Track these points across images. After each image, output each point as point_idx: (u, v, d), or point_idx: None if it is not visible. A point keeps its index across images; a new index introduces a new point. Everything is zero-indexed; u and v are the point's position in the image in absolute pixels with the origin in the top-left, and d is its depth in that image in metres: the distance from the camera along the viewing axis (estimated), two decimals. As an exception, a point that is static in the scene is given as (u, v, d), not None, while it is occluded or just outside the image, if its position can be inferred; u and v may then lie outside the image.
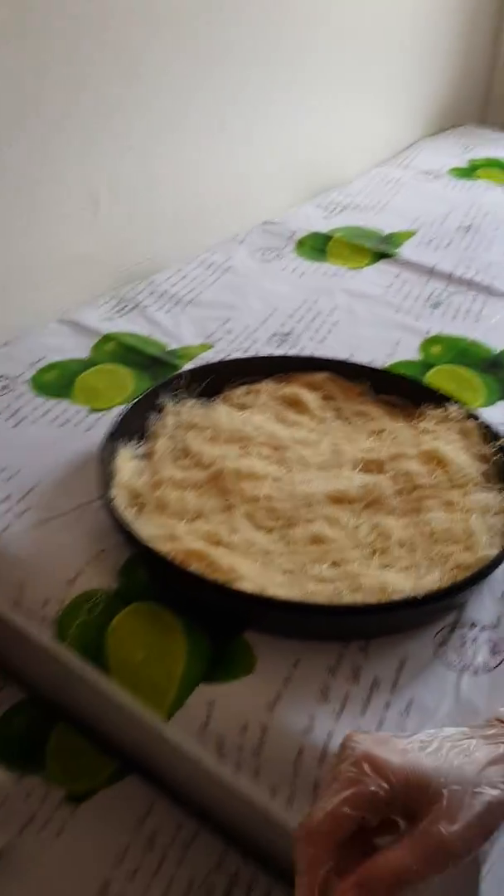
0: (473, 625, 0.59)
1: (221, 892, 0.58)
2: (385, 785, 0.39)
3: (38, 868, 0.60)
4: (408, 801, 0.39)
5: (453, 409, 0.75)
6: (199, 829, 0.62)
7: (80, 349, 0.90)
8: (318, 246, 1.17)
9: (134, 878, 0.59)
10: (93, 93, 0.95)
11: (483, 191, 1.38)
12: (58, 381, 0.85)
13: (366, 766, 0.39)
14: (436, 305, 1.02)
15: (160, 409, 0.77)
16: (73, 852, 0.61)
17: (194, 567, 0.59)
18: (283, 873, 0.59)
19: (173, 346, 0.92)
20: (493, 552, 0.60)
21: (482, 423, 0.73)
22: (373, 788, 0.39)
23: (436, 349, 0.93)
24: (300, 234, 1.19)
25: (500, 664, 0.56)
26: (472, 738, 0.43)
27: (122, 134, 1.01)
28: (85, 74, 0.93)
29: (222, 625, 0.59)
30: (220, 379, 0.81)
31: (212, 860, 0.60)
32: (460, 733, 0.43)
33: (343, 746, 0.42)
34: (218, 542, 0.63)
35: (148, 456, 0.73)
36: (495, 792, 0.39)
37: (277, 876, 0.59)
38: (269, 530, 0.65)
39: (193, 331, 0.95)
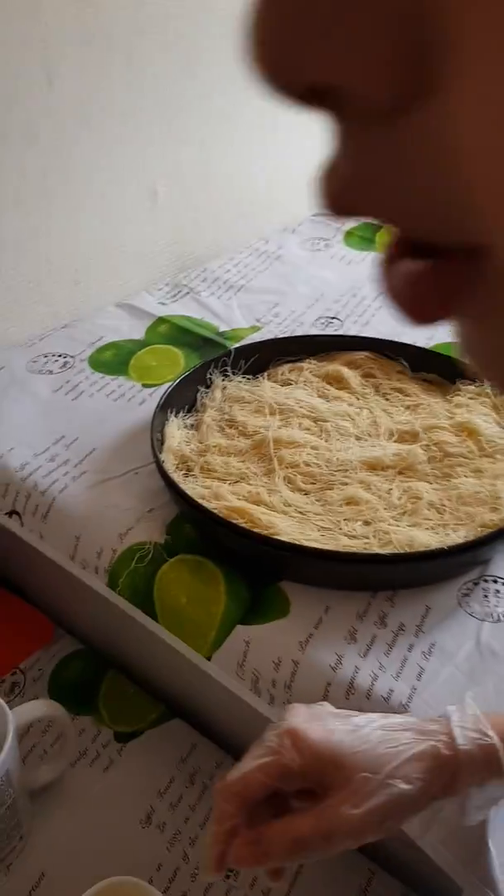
0: (496, 580, 0.63)
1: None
2: (298, 759, 0.42)
3: (88, 797, 0.66)
4: (321, 777, 0.42)
5: (487, 385, 0.78)
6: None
7: (135, 331, 0.96)
8: (366, 236, 1.21)
9: (175, 809, 0.64)
10: (152, 92, 1.01)
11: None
12: (114, 360, 0.91)
13: (286, 740, 0.43)
14: (478, 291, 1.05)
15: (209, 385, 0.82)
16: (119, 785, 0.66)
17: (236, 522, 0.64)
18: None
19: (223, 328, 0.97)
20: (518, 513, 0.63)
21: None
22: (285, 761, 0.42)
23: (476, 332, 0.96)
24: (349, 225, 1.23)
25: (520, 615, 0.60)
26: (409, 730, 0.44)
27: (180, 130, 1.07)
28: (146, 74, 0.99)
29: (260, 574, 0.63)
30: (265, 357, 0.86)
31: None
32: (399, 724, 0.45)
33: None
34: (259, 502, 0.68)
35: (196, 426, 0.78)
36: (406, 787, 0.41)
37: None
38: (307, 493, 0.70)
39: (243, 314, 1.00)
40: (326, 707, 0.48)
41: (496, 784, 0.43)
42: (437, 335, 0.96)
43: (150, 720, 0.71)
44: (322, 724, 0.44)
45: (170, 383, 0.79)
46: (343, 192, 0.17)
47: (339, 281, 1.08)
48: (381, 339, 0.87)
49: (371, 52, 0.14)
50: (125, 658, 0.74)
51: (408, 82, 0.14)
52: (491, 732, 0.44)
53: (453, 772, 0.42)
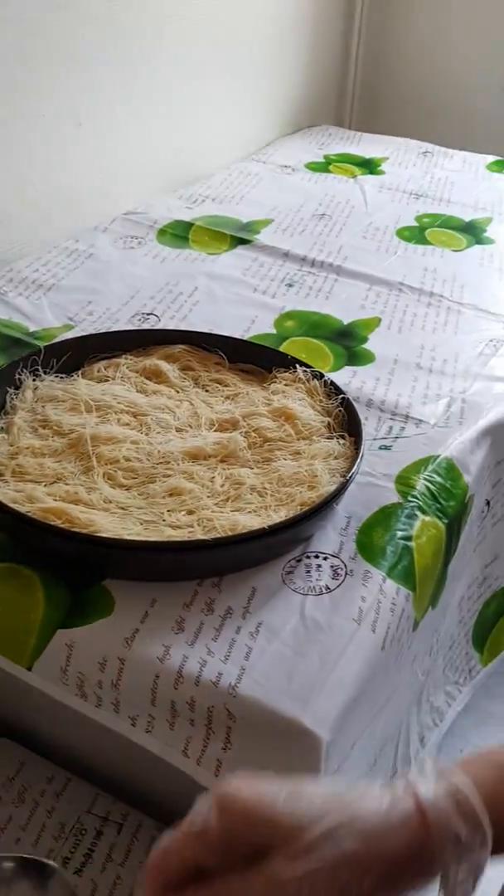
0: (317, 555, 0.64)
1: (94, 832, 0.60)
2: (217, 829, 0.35)
3: None
4: (256, 841, 0.35)
5: (301, 371, 0.80)
6: (70, 779, 0.64)
7: None
8: (179, 233, 1.21)
9: (4, 832, 0.60)
10: None
11: (336, 183, 1.46)
12: None
13: (212, 808, 0.35)
14: (290, 285, 1.08)
15: (18, 386, 0.79)
16: None
17: (52, 523, 0.61)
18: (152, 809, 0.62)
19: (33, 328, 0.93)
20: (333, 488, 0.65)
21: (326, 380, 0.79)
22: (206, 835, 0.35)
23: (289, 323, 0.99)
24: (162, 223, 1.23)
25: (339, 585, 0.61)
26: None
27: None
28: None
29: (82, 575, 0.61)
30: (79, 355, 0.83)
31: (83, 805, 0.62)
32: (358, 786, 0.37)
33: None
34: (77, 501, 0.65)
35: (6, 428, 0.74)
36: (349, 847, 0.34)
37: (148, 812, 0.62)
38: (128, 488, 0.68)
39: (54, 313, 0.97)
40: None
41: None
42: (254, 327, 0.97)
43: (-28, 744, 0.66)
44: (259, 785, 0.36)
45: (-26, 385, 0.75)
46: None
47: (154, 278, 1.07)
48: (197, 332, 0.87)
49: None
50: None
51: None
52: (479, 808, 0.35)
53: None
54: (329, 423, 0.76)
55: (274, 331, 0.97)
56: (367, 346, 0.95)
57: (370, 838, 0.34)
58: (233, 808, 0.35)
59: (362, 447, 0.70)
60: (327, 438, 0.74)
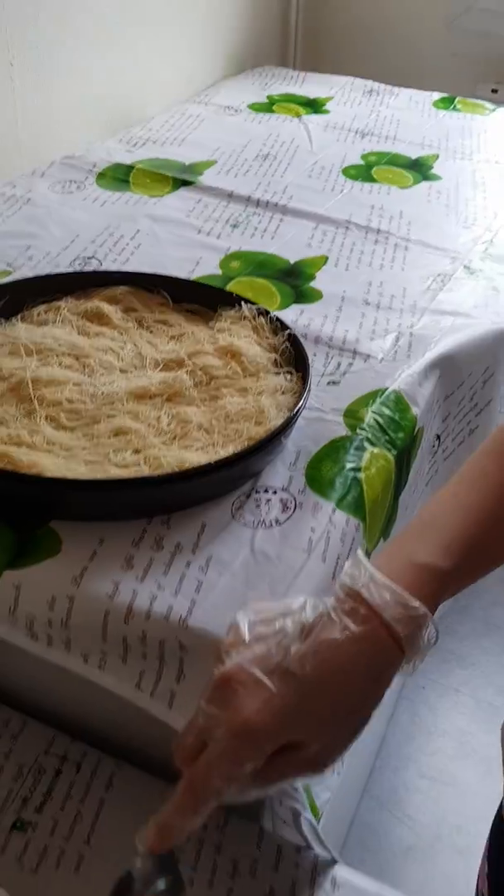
0: (267, 490, 0.64)
1: (52, 772, 0.60)
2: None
3: None
4: None
5: (246, 309, 0.79)
6: (27, 722, 0.64)
7: None
8: (119, 176, 1.17)
9: (-35, 777, 0.60)
10: None
11: (280, 123, 1.42)
12: None
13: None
14: (235, 226, 1.06)
15: (-44, 331, 0.76)
16: None
17: (-6, 465, 0.60)
18: (110, 748, 0.62)
19: (-30, 274, 0.90)
20: (280, 422, 0.65)
21: (272, 317, 0.78)
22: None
23: (235, 264, 0.97)
24: (102, 167, 1.19)
25: (289, 518, 0.61)
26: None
27: None
28: None
29: (27, 517, 0.60)
30: (16, 299, 0.80)
31: (41, 746, 0.62)
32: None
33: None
34: (19, 444, 0.64)
35: None
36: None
37: (106, 752, 0.62)
38: (72, 429, 0.67)
39: (-8, 260, 0.94)
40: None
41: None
42: (199, 268, 0.95)
43: None
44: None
45: None
46: None
47: (95, 221, 1.04)
48: (139, 273, 0.85)
49: None
50: None
51: None
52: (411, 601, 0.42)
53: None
54: (276, 360, 0.75)
55: (219, 272, 0.95)
56: (314, 284, 0.94)
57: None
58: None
59: (309, 381, 0.69)
60: (274, 374, 0.73)
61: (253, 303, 0.80)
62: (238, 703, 0.40)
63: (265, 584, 0.57)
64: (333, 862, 0.57)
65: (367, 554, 0.66)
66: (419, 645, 0.43)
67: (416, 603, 0.42)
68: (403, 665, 0.43)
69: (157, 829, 0.42)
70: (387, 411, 0.73)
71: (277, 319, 0.78)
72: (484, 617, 1.61)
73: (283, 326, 0.77)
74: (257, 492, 0.64)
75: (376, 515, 0.66)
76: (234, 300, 0.81)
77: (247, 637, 0.43)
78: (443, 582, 0.44)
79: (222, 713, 0.40)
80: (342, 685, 0.41)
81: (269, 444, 0.63)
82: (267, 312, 0.79)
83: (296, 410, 0.66)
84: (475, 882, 0.64)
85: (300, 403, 0.67)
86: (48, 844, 0.56)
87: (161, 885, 0.44)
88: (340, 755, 0.43)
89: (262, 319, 0.78)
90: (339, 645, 0.41)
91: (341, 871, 0.57)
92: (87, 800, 0.58)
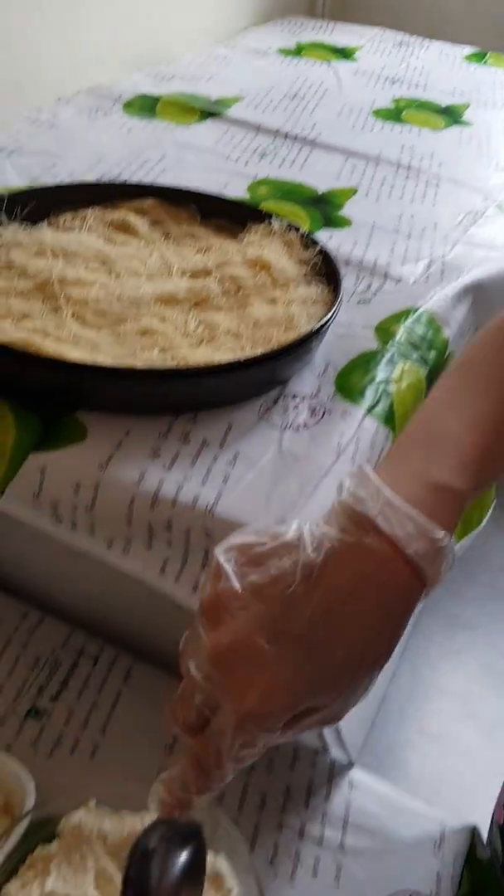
0: (295, 396, 0.63)
1: (68, 665, 0.60)
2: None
3: None
4: None
5: (276, 224, 0.78)
6: (45, 617, 0.63)
7: None
8: (146, 106, 1.15)
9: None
10: None
11: (309, 67, 1.40)
12: None
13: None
14: (263, 155, 1.04)
15: (-20, 233, 0.74)
16: None
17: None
18: (127, 644, 0.61)
19: (-5, 186, 0.88)
20: (310, 328, 0.63)
21: (303, 233, 0.76)
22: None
23: (263, 189, 0.95)
24: (128, 97, 1.17)
25: (318, 422, 0.60)
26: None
27: None
28: None
29: (52, 406, 0.59)
30: (43, 205, 0.79)
31: (58, 641, 0.61)
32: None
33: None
34: (46, 336, 0.62)
35: (-31, 273, 0.70)
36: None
37: (122, 647, 0.61)
38: (98, 328, 0.65)
39: (18, 174, 0.92)
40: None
41: None
42: (225, 192, 0.93)
43: None
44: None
45: None
46: None
47: (121, 146, 1.02)
48: (168, 187, 0.83)
49: None
50: None
51: None
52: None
53: None
54: (306, 273, 0.73)
55: (247, 195, 0.93)
56: (342, 212, 0.92)
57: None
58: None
59: (341, 291, 0.68)
60: (305, 286, 0.71)
61: (283, 218, 0.78)
62: (241, 684, 0.34)
63: (293, 481, 0.55)
64: (350, 765, 0.57)
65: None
66: (440, 579, 0.37)
67: (442, 534, 0.36)
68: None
69: (168, 792, 0.37)
70: (419, 329, 0.71)
71: (308, 235, 0.76)
72: (490, 582, 1.60)
73: (314, 242, 0.75)
74: (285, 398, 0.63)
75: (405, 427, 0.65)
76: (263, 216, 0.79)
77: (237, 585, 0.36)
78: (462, 505, 0.38)
79: (224, 694, 0.35)
80: (359, 642, 0.35)
81: (298, 347, 0.62)
82: (297, 228, 0.77)
83: (328, 316, 0.64)
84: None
85: (332, 310, 0.65)
86: (63, 732, 0.55)
87: (182, 858, 0.37)
88: (354, 705, 0.38)
89: (293, 234, 0.76)
90: (354, 594, 0.35)
91: (357, 774, 0.56)
92: (104, 691, 0.58)
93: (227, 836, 0.46)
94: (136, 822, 0.47)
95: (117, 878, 0.44)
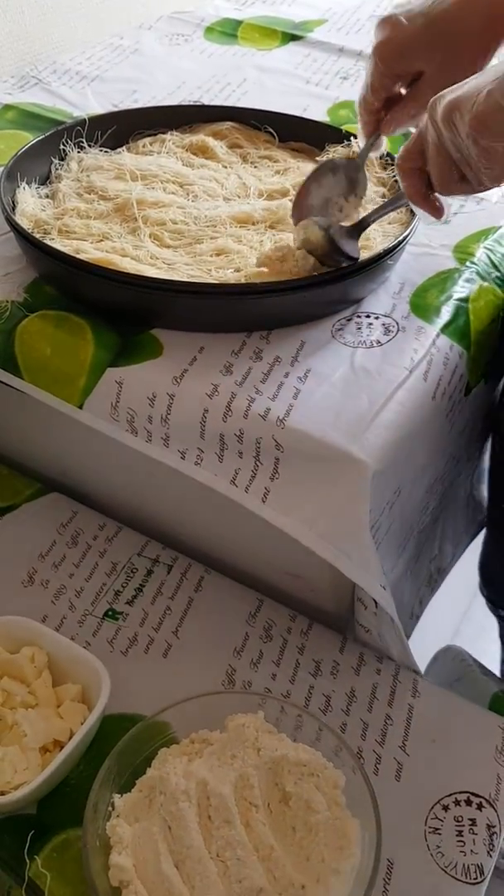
0: (369, 315, 0.63)
1: (144, 571, 0.63)
2: None
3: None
4: None
5: (356, 145, 0.76)
6: (121, 528, 0.66)
7: (-22, 117, 0.87)
8: (227, 31, 1.13)
9: (58, 569, 0.63)
10: None
11: (397, -16, 1.34)
12: (-44, 144, 0.82)
13: None
14: (345, 78, 1.01)
15: (63, 157, 0.76)
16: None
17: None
18: (199, 555, 0.64)
19: (78, 114, 0.89)
20: (385, 246, 0.62)
21: (382, 153, 0.75)
22: None
23: (343, 112, 0.93)
24: (209, 21, 1.15)
25: (391, 340, 0.60)
26: None
27: None
28: None
29: (129, 323, 0.60)
30: (123, 129, 0.80)
31: (134, 549, 0.64)
32: None
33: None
34: (123, 255, 0.64)
35: (51, 195, 0.72)
36: None
37: (195, 557, 0.64)
38: (175, 248, 0.66)
39: (99, 101, 0.93)
40: None
41: None
42: (306, 115, 0.92)
43: (26, 495, 0.68)
44: None
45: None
46: None
47: (201, 70, 1.01)
48: (246, 109, 0.83)
49: None
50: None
51: None
52: None
53: None
54: (383, 194, 0.72)
55: (327, 119, 0.91)
56: (426, 133, 0.89)
57: None
58: None
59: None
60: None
61: (363, 138, 0.76)
62: None
63: (365, 396, 0.56)
64: (416, 673, 0.58)
65: (468, 390, 0.64)
66: None
67: None
68: None
69: None
70: (499, 249, 0.69)
71: (388, 154, 0.74)
72: None
73: (393, 160, 0.73)
74: (359, 316, 0.63)
75: (481, 348, 0.64)
76: (342, 136, 0.78)
77: None
78: None
79: None
80: None
81: (372, 265, 0.61)
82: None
83: (405, 235, 0.63)
84: None
85: (409, 229, 0.64)
86: (138, 633, 0.59)
87: None
88: None
89: (373, 154, 0.75)
90: None
91: (423, 684, 0.58)
92: (177, 597, 0.61)
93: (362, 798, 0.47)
94: (290, 749, 0.48)
95: (257, 788, 0.46)
